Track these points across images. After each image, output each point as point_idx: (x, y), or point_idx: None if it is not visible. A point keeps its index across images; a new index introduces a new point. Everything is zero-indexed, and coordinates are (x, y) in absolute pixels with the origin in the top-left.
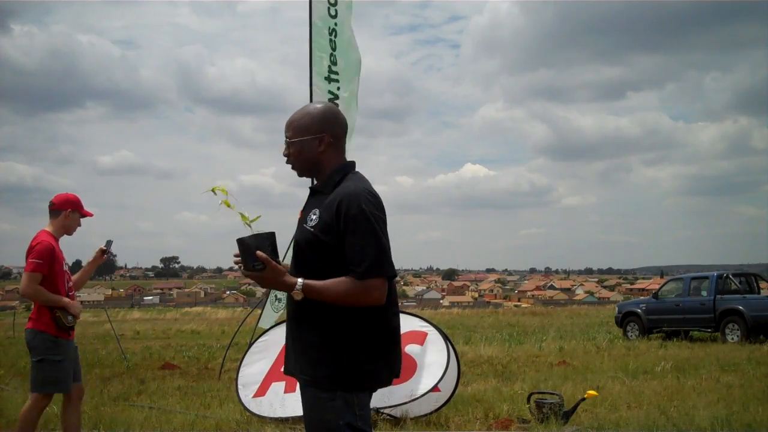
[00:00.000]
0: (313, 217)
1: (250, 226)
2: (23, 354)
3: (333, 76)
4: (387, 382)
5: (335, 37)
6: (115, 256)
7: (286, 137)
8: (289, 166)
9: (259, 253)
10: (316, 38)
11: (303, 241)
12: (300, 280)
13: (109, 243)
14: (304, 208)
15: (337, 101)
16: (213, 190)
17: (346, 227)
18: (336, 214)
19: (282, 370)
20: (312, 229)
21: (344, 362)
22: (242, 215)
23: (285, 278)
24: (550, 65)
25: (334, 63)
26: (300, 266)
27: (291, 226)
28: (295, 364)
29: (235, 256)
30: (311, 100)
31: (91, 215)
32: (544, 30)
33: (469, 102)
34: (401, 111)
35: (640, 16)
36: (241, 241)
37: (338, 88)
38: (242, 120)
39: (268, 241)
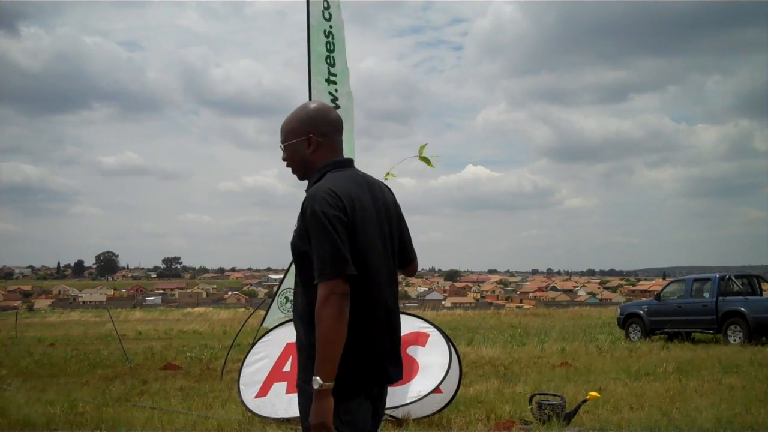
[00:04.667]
0: (296, 222)
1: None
2: (25, 354)
3: (332, 78)
4: (378, 387)
5: (332, 39)
6: None
7: (280, 143)
8: (290, 170)
9: None
10: (314, 41)
11: (291, 248)
12: (317, 379)
13: None
14: None
15: (337, 102)
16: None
17: (308, 231)
18: (302, 219)
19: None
20: (295, 234)
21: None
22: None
23: (320, 406)
24: (553, 68)
25: (332, 65)
26: (295, 272)
27: (293, 228)
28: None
29: None
30: None
31: None
32: (547, 33)
33: (471, 104)
34: (405, 113)
35: (643, 20)
36: None
37: (336, 90)
38: (246, 121)
39: None
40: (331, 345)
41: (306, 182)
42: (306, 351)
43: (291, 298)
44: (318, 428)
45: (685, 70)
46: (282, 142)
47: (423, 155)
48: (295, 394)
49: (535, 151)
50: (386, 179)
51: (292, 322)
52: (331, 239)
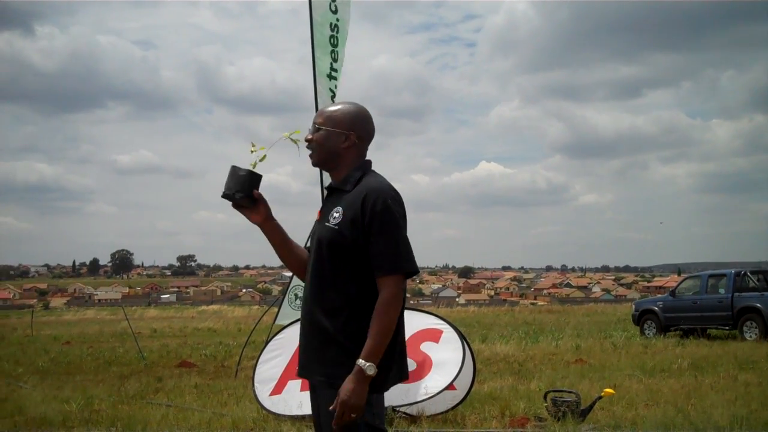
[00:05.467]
0: (336, 214)
1: (253, 164)
2: (41, 352)
3: (333, 74)
4: (396, 383)
5: (337, 33)
6: None
7: (316, 123)
8: (308, 152)
9: (256, 192)
10: (317, 36)
11: (326, 240)
12: (361, 361)
13: None
14: (323, 207)
15: (335, 98)
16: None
17: (371, 224)
18: (362, 210)
19: (296, 372)
20: (336, 227)
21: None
22: (254, 154)
23: (365, 389)
24: (566, 64)
25: (335, 60)
26: (321, 265)
27: (308, 225)
28: (310, 363)
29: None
30: (316, 99)
31: None
32: (560, 29)
33: (484, 100)
34: (419, 110)
35: (656, 15)
36: (233, 168)
37: (336, 86)
38: (260, 119)
39: (243, 175)
40: (389, 337)
41: (316, 178)
42: (338, 345)
43: (301, 294)
44: (358, 410)
45: (699, 65)
46: (320, 124)
47: (291, 137)
48: (309, 392)
49: (549, 148)
50: (259, 162)
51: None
52: (404, 236)
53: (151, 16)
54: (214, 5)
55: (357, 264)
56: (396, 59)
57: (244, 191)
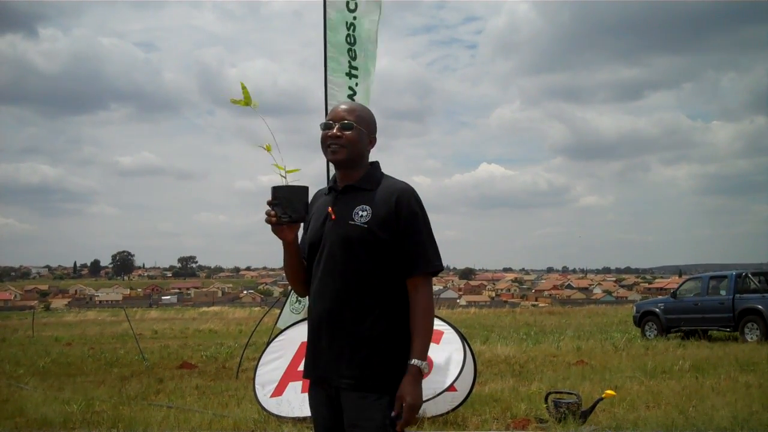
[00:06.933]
0: (363, 213)
1: (285, 177)
2: (42, 353)
3: (353, 72)
4: None
5: (353, 31)
6: None
7: (348, 120)
8: (331, 147)
9: None
10: (330, 34)
11: (356, 238)
12: (417, 361)
13: None
14: (336, 205)
15: (355, 97)
16: (267, 148)
17: (408, 223)
18: (396, 210)
19: (303, 375)
20: (365, 225)
21: (393, 362)
22: (278, 166)
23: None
24: (567, 66)
25: (354, 58)
26: (349, 264)
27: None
28: (333, 366)
29: (269, 204)
30: (326, 98)
31: None
32: (561, 31)
33: (485, 102)
34: (420, 111)
35: (658, 17)
36: (276, 189)
37: (356, 84)
38: (261, 121)
39: (304, 193)
40: (431, 322)
41: (317, 178)
42: (370, 346)
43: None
44: (419, 409)
45: (700, 67)
46: (354, 121)
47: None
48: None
49: (550, 149)
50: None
51: (305, 322)
52: (433, 236)
53: (153, 18)
54: (216, 7)
55: (384, 262)
56: (397, 61)
57: (309, 211)
